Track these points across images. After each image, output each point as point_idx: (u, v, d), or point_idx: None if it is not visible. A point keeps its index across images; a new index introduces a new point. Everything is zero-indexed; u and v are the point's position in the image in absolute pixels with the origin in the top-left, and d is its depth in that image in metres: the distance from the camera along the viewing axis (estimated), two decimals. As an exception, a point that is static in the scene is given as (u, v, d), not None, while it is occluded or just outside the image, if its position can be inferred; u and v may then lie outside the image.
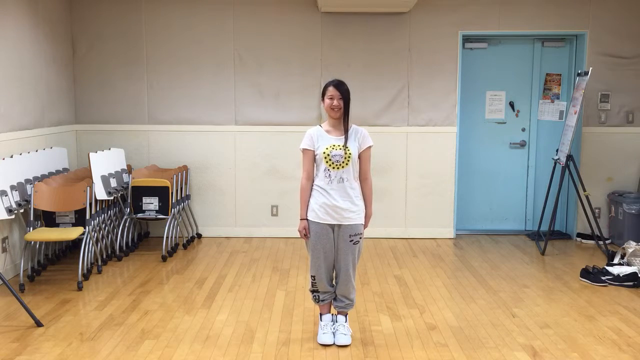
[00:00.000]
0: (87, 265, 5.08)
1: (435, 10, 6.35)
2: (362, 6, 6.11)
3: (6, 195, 4.72)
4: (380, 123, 6.45)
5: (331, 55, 6.42)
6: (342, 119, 3.70)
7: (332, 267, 3.76)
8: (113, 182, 5.63)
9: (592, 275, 5.01)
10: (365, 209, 3.76)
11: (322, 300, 3.83)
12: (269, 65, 6.45)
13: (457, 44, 6.39)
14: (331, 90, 3.66)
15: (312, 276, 3.77)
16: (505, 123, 6.73)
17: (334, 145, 3.66)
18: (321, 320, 3.84)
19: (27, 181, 5.11)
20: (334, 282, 3.82)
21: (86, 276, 5.05)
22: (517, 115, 6.72)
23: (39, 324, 4.01)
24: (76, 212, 5.16)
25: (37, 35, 5.68)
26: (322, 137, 3.69)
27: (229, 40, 6.43)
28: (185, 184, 6.36)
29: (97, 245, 5.35)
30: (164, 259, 5.67)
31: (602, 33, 6.35)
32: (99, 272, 5.24)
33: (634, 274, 4.91)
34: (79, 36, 6.43)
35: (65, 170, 5.88)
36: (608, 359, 3.56)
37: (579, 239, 6.49)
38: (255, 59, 6.44)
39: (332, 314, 3.89)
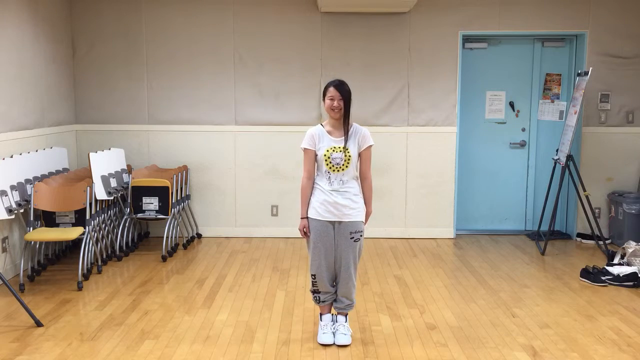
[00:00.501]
0: (87, 265, 5.09)
1: (435, 10, 6.35)
2: (362, 6, 6.11)
3: (6, 195, 4.72)
4: (380, 123, 6.45)
5: (331, 55, 6.42)
6: (343, 120, 3.71)
7: (332, 266, 3.76)
8: (113, 182, 5.64)
9: (592, 275, 5.01)
10: (366, 208, 3.78)
11: (323, 301, 3.82)
12: (269, 66, 6.45)
13: (457, 44, 6.39)
14: (332, 91, 3.66)
15: (312, 275, 3.76)
16: (505, 123, 6.73)
17: (334, 148, 3.66)
18: (321, 320, 3.84)
19: (27, 181, 5.11)
20: (334, 282, 3.83)
21: (86, 276, 5.06)
22: (517, 115, 6.72)
23: (39, 324, 4.01)
24: (76, 212, 5.16)
25: (37, 35, 5.68)
26: (323, 138, 3.69)
27: (229, 41, 6.43)
28: (185, 184, 6.36)
29: (97, 245, 5.35)
30: (164, 259, 5.67)
31: (602, 33, 6.35)
32: (99, 272, 5.24)
33: (634, 274, 4.91)
34: (79, 36, 6.43)
35: (65, 170, 5.88)
36: (608, 359, 3.56)
37: (579, 239, 6.49)
38: (255, 59, 6.44)
39: (332, 314, 3.89)
